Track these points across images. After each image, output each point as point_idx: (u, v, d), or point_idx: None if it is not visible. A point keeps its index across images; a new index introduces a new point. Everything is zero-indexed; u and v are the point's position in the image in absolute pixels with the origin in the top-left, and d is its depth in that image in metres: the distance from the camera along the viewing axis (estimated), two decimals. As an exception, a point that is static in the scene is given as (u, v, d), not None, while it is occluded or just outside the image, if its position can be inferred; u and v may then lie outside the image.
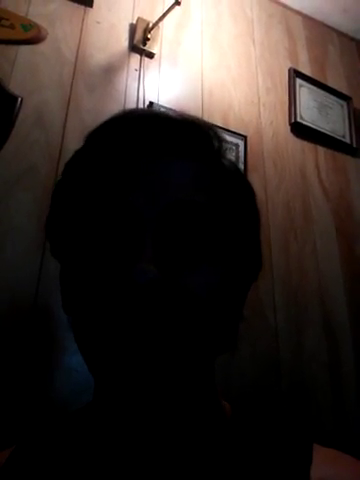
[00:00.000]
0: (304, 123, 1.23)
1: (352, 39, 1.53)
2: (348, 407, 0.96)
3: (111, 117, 0.32)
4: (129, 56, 1.04)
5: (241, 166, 1.05)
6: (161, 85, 1.05)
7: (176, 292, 0.26)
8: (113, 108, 0.95)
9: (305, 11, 1.44)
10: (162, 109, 1.00)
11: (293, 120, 1.22)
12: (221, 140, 0.33)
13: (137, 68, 1.04)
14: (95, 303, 0.27)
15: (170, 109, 1.00)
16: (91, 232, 0.29)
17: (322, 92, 1.33)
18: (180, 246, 0.28)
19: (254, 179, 1.08)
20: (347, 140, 1.30)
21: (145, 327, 0.26)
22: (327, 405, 0.93)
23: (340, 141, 1.29)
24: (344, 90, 1.39)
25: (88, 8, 1.02)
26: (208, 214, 0.29)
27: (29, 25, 0.92)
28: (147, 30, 1.06)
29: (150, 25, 1.07)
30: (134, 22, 1.08)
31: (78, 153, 0.33)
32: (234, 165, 0.35)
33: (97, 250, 0.28)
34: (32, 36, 0.92)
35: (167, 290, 0.26)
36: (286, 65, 1.31)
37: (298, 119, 1.22)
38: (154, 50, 1.07)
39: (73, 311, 0.30)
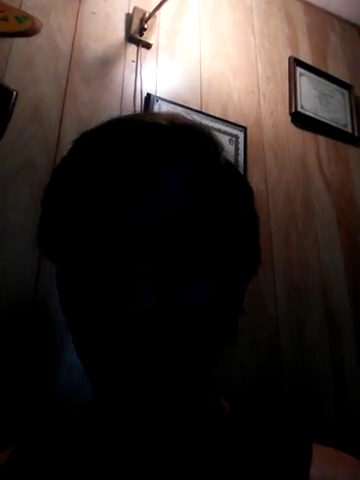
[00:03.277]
0: (305, 113, 1.22)
1: (353, 25, 1.51)
2: (351, 398, 0.96)
3: (100, 125, 0.30)
4: (126, 47, 1.03)
5: (241, 158, 1.04)
6: (159, 76, 1.03)
7: (173, 313, 0.26)
8: (110, 100, 0.94)
9: (305, -3, 1.41)
10: (160, 101, 0.98)
11: (293, 110, 1.20)
12: (216, 141, 0.31)
13: (134, 59, 1.02)
14: (91, 323, 0.27)
15: (168, 101, 0.99)
16: (84, 247, 0.28)
17: (323, 81, 1.31)
18: (178, 261, 0.27)
19: (254, 171, 1.07)
20: (349, 129, 1.29)
21: (142, 347, 0.25)
22: (329, 396, 0.94)
23: (341, 130, 1.27)
24: (345, 78, 1.37)
25: (83, -2, 1.00)
26: (206, 224, 0.28)
27: (23, 17, 0.90)
28: (144, 20, 1.04)
29: (147, 15, 1.05)
30: (130, 12, 1.06)
31: (66, 161, 0.31)
32: (231, 166, 0.33)
33: (90, 269, 0.27)
34: (27, 28, 0.90)
35: (163, 314, 0.25)
36: (286, 53, 1.29)
37: (299, 109, 1.21)
38: (151, 40, 1.05)
39: (70, 319, 0.30)
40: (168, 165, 0.28)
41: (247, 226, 0.32)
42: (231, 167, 0.33)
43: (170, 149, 0.28)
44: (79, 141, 0.31)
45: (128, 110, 0.95)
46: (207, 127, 0.32)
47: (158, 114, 0.33)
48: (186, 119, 0.31)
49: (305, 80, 1.27)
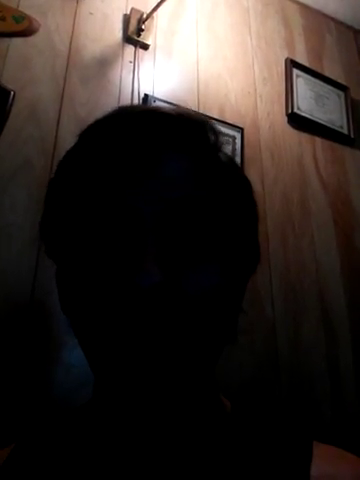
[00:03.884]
0: (301, 114, 1.22)
1: (349, 27, 1.52)
2: (347, 398, 0.96)
3: (104, 115, 0.31)
4: (123, 48, 1.03)
5: (238, 159, 1.04)
6: (156, 77, 1.04)
7: (179, 295, 0.26)
8: (107, 101, 0.94)
9: (302, -1, 1.42)
10: (157, 101, 0.98)
11: (290, 111, 1.21)
12: (217, 134, 0.32)
13: (131, 60, 1.02)
14: (97, 307, 0.27)
15: (165, 102, 0.99)
16: (89, 234, 0.28)
17: (319, 82, 1.32)
18: (182, 245, 0.27)
19: (251, 171, 1.07)
20: (345, 130, 1.29)
21: (149, 330, 0.25)
22: (326, 396, 0.94)
23: (338, 132, 1.28)
24: (341, 80, 1.38)
25: (81, -2, 1.01)
26: (209, 209, 0.28)
27: (21, 17, 0.90)
28: (141, 21, 1.04)
29: (144, 15, 1.05)
30: (128, 12, 1.06)
31: (71, 152, 0.32)
32: (231, 159, 0.34)
33: (96, 253, 0.28)
34: (24, 28, 0.90)
35: (170, 293, 0.26)
36: (283, 55, 1.29)
37: (295, 110, 1.21)
38: (148, 41, 1.05)
39: (73, 314, 0.29)
40: (172, 151, 0.29)
41: (247, 213, 0.33)
42: (231, 159, 0.34)
43: (174, 136, 0.29)
44: (85, 131, 0.31)
45: (125, 111, 0.95)
46: (208, 118, 0.33)
47: (160, 106, 0.34)
48: (190, 110, 0.32)
49: (301, 81, 1.28)
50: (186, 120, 0.30)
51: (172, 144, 0.29)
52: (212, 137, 0.32)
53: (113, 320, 0.26)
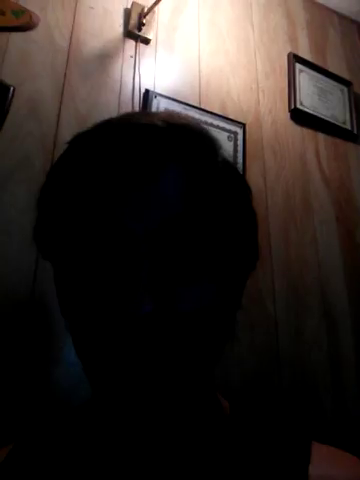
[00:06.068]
0: (304, 109, 1.21)
1: (353, 21, 1.50)
2: (348, 394, 0.96)
3: (93, 127, 0.30)
4: (124, 42, 1.02)
5: (240, 155, 1.03)
6: (157, 72, 1.03)
7: (174, 319, 0.26)
8: (108, 97, 0.93)
9: (305, -7, 1.40)
10: (158, 97, 0.97)
11: (293, 107, 1.20)
12: (212, 140, 0.31)
13: (132, 55, 1.01)
14: (92, 327, 0.27)
15: (167, 97, 0.98)
16: (83, 252, 0.28)
17: (322, 77, 1.30)
18: (177, 266, 0.27)
19: (253, 168, 1.06)
20: (348, 126, 1.28)
21: (144, 352, 0.25)
22: (327, 392, 0.94)
23: (341, 127, 1.27)
24: (345, 74, 1.37)
25: (81, -7, 0.99)
26: (205, 227, 0.28)
27: (20, 11, 0.89)
28: (142, 15, 1.03)
29: (145, 10, 1.04)
30: (129, 7, 1.05)
31: (60, 163, 0.31)
32: (228, 164, 0.32)
33: (89, 271, 0.27)
34: (23, 23, 0.89)
35: (164, 319, 0.25)
36: (285, 49, 1.28)
37: (298, 105, 1.20)
38: (150, 36, 1.04)
39: (70, 322, 0.29)
40: (164, 167, 0.28)
41: (245, 225, 0.32)
42: (228, 165, 0.32)
43: (166, 150, 0.28)
44: (73, 143, 0.30)
45: (126, 106, 0.94)
46: (203, 125, 0.31)
47: (153, 114, 0.33)
48: (181, 118, 0.30)
49: (304, 76, 1.27)
50: (178, 131, 0.29)
51: (165, 158, 0.28)
52: (207, 145, 0.30)
53: (108, 341, 0.26)
